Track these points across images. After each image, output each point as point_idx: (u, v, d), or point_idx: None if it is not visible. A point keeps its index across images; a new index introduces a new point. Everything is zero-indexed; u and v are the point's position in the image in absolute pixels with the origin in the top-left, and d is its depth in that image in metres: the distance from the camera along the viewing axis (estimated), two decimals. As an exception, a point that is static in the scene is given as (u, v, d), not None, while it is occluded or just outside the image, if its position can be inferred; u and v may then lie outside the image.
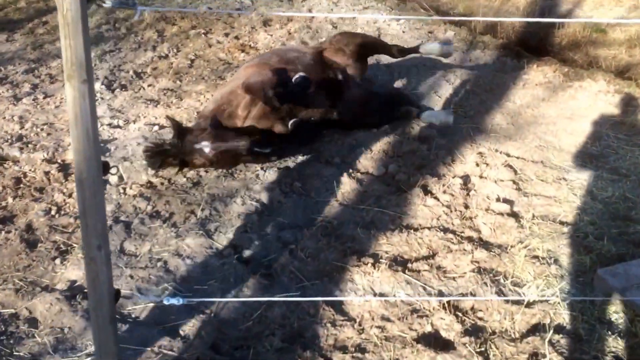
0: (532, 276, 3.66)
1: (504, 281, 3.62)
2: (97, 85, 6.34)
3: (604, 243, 3.90)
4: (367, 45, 5.91)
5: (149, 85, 6.50)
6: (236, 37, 8.01)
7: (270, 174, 4.73)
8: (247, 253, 3.89)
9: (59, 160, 4.94)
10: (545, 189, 4.57)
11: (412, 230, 4.11)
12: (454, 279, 3.68)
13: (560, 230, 4.08)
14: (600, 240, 3.93)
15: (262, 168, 4.82)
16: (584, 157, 5.03)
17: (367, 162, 5.01)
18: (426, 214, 4.32)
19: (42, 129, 5.43)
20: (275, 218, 4.24)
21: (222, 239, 4.01)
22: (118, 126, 5.55)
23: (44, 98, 6.11)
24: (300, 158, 5.02)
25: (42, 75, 6.67)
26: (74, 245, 3.92)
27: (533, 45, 8.21)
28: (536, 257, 3.83)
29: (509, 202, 4.42)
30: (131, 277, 3.62)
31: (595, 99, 6.12)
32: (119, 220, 4.17)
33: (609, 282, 3.45)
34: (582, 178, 4.71)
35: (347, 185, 4.64)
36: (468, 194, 4.53)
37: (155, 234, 4.03)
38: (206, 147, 4.38)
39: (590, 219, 4.19)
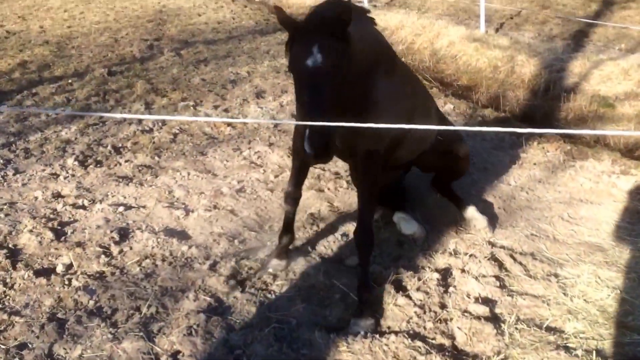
0: (507, 398, 3.17)
1: (474, 404, 3.13)
2: (70, 162, 6.08)
3: (592, 357, 3.40)
4: None
5: (126, 161, 6.22)
6: (226, 110, 7.78)
7: (230, 265, 4.34)
8: None
9: (10, 245, 4.61)
10: (532, 287, 4.10)
11: (377, 335, 3.64)
12: (417, 398, 3.20)
13: (546, 339, 3.59)
14: (589, 354, 3.43)
15: (222, 258, 4.44)
16: (580, 249, 4.56)
17: (340, 250, 4.61)
18: (396, 314, 3.87)
19: (1, 209, 5.13)
20: (227, 317, 3.81)
21: (164, 342, 3.58)
22: (82, 206, 5.23)
23: (14, 175, 5.84)
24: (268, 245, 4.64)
25: (17, 150, 6.44)
26: (1, 346, 3.53)
27: (537, 119, 7.89)
28: (514, 372, 3.34)
29: (491, 302, 3.95)
30: (48, 390, 3.21)
31: (597, 180, 5.67)
32: (54, 317, 3.77)
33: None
34: (576, 274, 4.23)
35: (313, 278, 4.23)
36: (446, 291, 4.08)
37: (90, 335, 3.62)
38: None
39: (581, 326, 3.69)
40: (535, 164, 6.11)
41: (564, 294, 4.02)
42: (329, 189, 5.60)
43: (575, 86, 8.28)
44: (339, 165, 6.06)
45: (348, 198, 5.41)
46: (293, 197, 4.29)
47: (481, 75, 9.42)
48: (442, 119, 4.94)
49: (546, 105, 8.18)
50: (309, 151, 2.99)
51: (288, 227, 4.39)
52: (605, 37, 10.74)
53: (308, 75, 3.14)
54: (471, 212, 4.86)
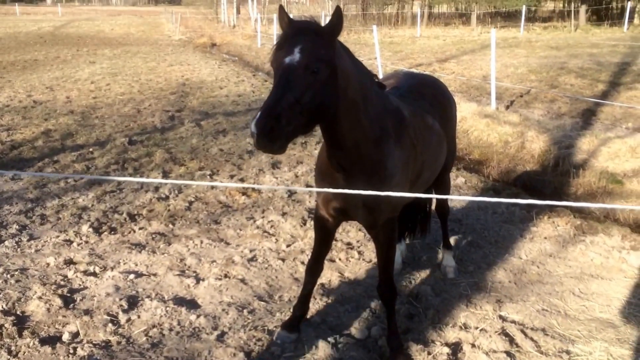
0: None
1: None
2: (85, 228, 6.17)
3: None
4: None
5: (140, 229, 6.31)
6: (241, 179, 7.91)
7: (238, 336, 4.32)
8: None
9: (18, 312, 4.63)
10: (543, 364, 4.03)
11: (384, 412, 3.58)
12: None
13: (557, 418, 3.51)
14: None
15: (230, 328, 4.42)
16: (592, 325, 4.50)
17: (349, 321, 4.58)
18: (404, 390, 3.81)
19: (12, 275, 5.18)
20: (231, 390, 3.78)
21: (167, 414, 3.55)
22: (93, 274, 5.28)
23: (28, 241, 5.93)
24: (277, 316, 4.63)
25: (34, 217, 6.56)
26: (0, 416, 3.51)
27: (547, 194, 7.92)
28: None
29: (501, 378, 3.88)
30: None
31: (608, 256, 5.65)
32: (57, 387, 3.77)
33: None
34: (588, 351, 4.16)
35: (320, 351, 4.18)
36: (456, 367, 4.02)
37: (92, 406, 3.60)
38: None
39: (593, 405, 3.61)
40: (546, 238, 6.11)
41: (576, 372, 3.95)
42: (340, 259, 5.62)
43: (583, 162, 8.35)
44: (350, 235, 6.10)
45: (359, 269, 5.42)
46: (313, 270, 4.32)
47: (492, 150, 9.54)
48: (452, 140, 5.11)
49: (556, 180, 8.24)
50: (254, 131, 2.90)
51: (304, 300, 4.39)
52: (613, 116, 10.87)
53: (282, 72, 3.09)
54: (447, 260, 5.43)
